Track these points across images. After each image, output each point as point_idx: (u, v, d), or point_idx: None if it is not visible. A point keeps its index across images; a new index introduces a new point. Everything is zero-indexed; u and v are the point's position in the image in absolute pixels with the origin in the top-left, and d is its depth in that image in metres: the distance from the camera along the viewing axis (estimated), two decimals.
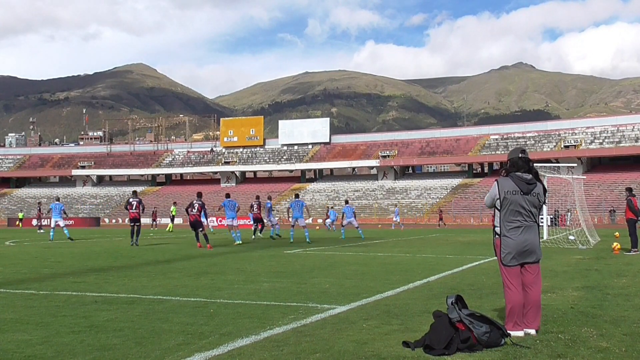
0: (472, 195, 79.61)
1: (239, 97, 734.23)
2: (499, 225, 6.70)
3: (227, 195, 29.57)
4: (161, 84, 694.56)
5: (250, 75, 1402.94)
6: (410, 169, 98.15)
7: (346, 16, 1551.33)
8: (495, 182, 6.75)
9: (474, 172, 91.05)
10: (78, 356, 5.64)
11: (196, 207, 23.60)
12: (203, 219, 25.20)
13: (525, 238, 6.60)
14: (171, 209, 40.81)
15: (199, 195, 24.46)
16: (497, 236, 6.73)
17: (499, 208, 6.67)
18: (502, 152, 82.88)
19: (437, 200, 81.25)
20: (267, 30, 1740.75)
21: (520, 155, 6.77)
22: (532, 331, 6.50)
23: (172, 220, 39.87)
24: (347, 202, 36.00)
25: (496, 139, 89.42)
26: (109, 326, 6.98)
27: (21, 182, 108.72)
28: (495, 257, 6.88)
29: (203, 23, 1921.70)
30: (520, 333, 6.42)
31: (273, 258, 17.80)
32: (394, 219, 57.77)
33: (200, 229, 23.48)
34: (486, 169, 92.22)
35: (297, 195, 29.48)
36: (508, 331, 6.22)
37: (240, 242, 26.58)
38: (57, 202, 32.11)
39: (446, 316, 6.09)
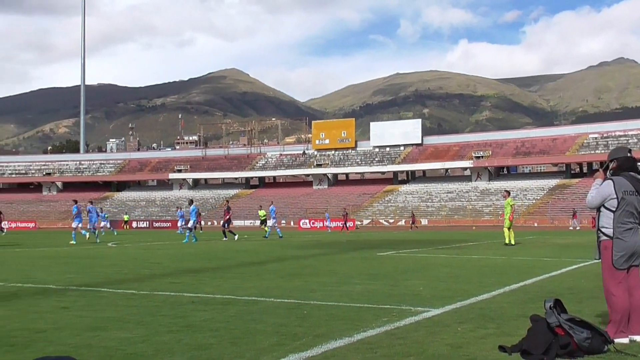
0: (570, 197, 77.43)
1: (330, 100, 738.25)
2: (610, 226, 6.38)
3: (271, 202, 40.25)
4: (253, 88, 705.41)
5: (340, 77, 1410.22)
6: (504, 169, 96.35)
7: (438, 15, 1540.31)
8: (610, 181, 6.40)
9: (572, 172, 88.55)
10: (176, 355, 5.76)
11: None
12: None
13: (635, 240, 6.33)
14: (260, 213, 41.65)
15: None
16: (606, 238, 6.43)
17: (614, 209, 6.36)
18: (602, 151, 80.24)
19: (534, 201, 79.46)
20: (357, 32, 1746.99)
21: (628, 154, 6.51)
22: (638, 337, 6.24)
23: (264, 223, 40.73)
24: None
25: (595, 138, 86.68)
26: (205, 326, 7.11)
27: (121, 186, 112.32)
28: (596, 260, 6.63)
29: (293, 27, 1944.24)
30: (624, 340, 6.16)
31: (365, 260, 17.78)
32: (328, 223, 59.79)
33: None
34: (585, 169, 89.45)
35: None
36: (611, 337, 5.98)
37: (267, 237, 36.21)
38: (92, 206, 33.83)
39: (544, 321, 5.93)
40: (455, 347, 6.00)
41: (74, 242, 30.65)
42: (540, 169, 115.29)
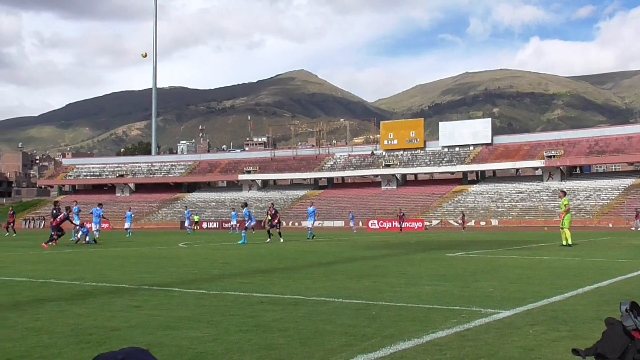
0: None
1: (399, 100, 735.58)
2: None
3: (312, 203, 41.60)
4: (322, 90, 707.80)
5: (409, 77, 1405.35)
6: (577, 169, 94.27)
7: (509, 13, 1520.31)
8: None
9: None
10: (246, 354, 5.82)
11: (60, 216, 30.02)
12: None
13: None
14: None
15: (67, 209, 31.57)
16: None
17: None
18: None
19: (608, 201, 77.51)
20: (427, 31, 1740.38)
21: None
22: None
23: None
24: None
25: None
26: (274, 326, 7.16)
27: (192, 187, 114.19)
28: None
29: (363, 27, 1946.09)
30: None
31: (435, 261, 17.63)
32: (352, 224, 60.60)
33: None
34: None
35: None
36: None
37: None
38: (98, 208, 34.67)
39: (620, 324, 5.77)
40: (526, 349, 5.90)
41: (72, 240, 32.37)
42: (615, 168, 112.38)
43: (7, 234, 47.09)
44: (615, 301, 8.58)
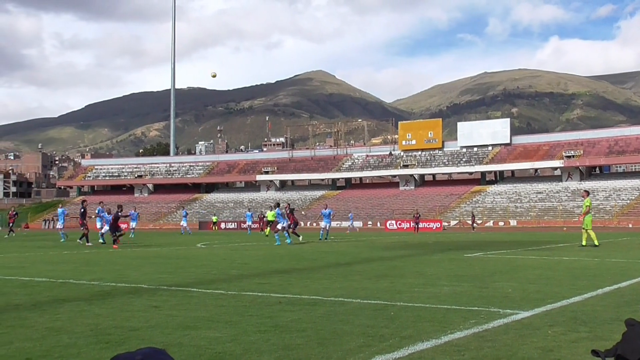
0: None
1: (417, 100, 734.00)
2: None
3: (326, 206, 41.62)
4: (340, 90, 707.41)
5: (427, 77, 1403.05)
6: (597, 169, 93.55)
7: (528, 12, 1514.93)
8: None
9: None
10: (264, 355, 5.83)
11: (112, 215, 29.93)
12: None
13: None
14: (267, 213, 42.31)
15: (119, 207, 30.72)
16: None
17: None
18: None
19: (628, 201, 76.89)
20: (445, 31, 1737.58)
21: None
22: None
23: (268, 224, 41.57)
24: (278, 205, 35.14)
25: None
26: (292, 326, 7.16)
27: (210, 188, 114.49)
28: None
29: (381, 27, 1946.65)
30: None
31: (453, 261, 17.57)
32: (350, 224, 62.06)
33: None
34: None
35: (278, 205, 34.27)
36: None
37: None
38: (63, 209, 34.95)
39: None
40: (546, 350, 5.87)
41: (63, 241, 32.38)
42: (635, 168, 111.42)
43: (15, 234, 47.16)
44: (635, 302, 8.52)
